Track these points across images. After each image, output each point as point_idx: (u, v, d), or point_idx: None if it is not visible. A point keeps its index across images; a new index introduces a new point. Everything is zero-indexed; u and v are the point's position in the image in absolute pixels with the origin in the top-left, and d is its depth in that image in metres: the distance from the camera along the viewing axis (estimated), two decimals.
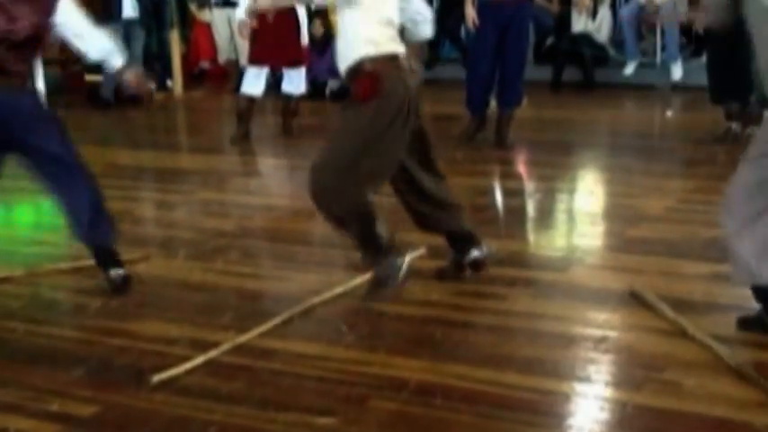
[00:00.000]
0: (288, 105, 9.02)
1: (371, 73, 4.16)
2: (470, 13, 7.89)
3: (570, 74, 11.35)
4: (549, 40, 11.97)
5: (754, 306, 3.94)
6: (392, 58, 4.23)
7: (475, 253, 4.60)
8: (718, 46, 7.42)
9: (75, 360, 3.83)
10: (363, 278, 4.60)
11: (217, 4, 11.93)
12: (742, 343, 3.83)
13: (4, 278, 4.83)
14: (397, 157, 4.29)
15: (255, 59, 8.62)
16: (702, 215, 5.60)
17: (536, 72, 11.31)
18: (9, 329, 4.18)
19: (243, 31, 8.61)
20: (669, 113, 10.45)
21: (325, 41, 11.08)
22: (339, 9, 4.27)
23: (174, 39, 11.22)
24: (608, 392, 3.52)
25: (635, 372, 3.66)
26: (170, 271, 4.92)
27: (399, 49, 4.27)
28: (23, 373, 3.73)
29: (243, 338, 3.95)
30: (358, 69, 4.20)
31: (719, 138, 7.67)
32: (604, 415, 3.35)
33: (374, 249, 4.34)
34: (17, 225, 6.37)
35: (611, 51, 11.68)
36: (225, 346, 3.86)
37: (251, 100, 8.66)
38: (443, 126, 9.25)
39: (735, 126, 7.74)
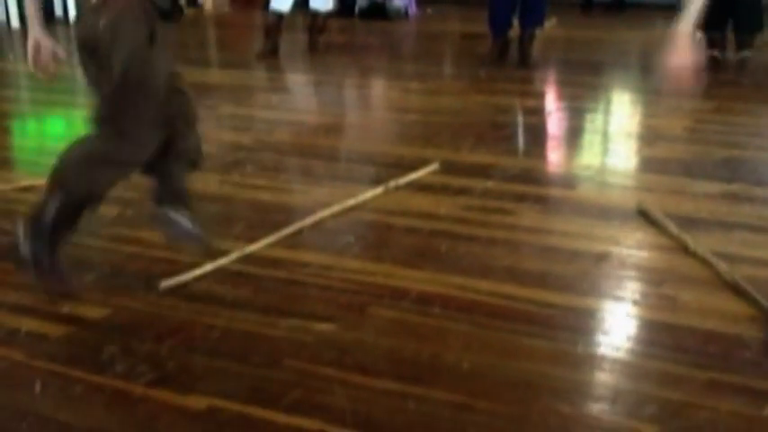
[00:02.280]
0: (315, 22, 9.01)
1: None
2: None
3: None
4: None
5: (755, 223, 3.97)
6: None
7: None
8: None
9: (88, 266, 3.93)
10: (375, 191, 4.67)
11: None
12: (742, 260, 3.86)
13: (26, 187, 4.92)
14: None
15: None
16: (718, 135, 5.61)
17: None
18: None
19: None
20: (699, 35, 10.33)
21: None
22: None
23: None
24: (602, 305, 3.57)
25: (632, 286, 3.72)
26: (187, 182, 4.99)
27: None
28: None
29: (252, 248, 4.03)
30: None
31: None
32: (596, 326, 3.41)
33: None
34: (46, 137, 6.46)
35: None
36: (233, 255, 3.95)
37: (279, 16, 8.67)
38: (470, 45, 9.25)
39: (716, 53, 7.77)
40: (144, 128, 3.44)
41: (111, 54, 3.30)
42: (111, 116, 3.43)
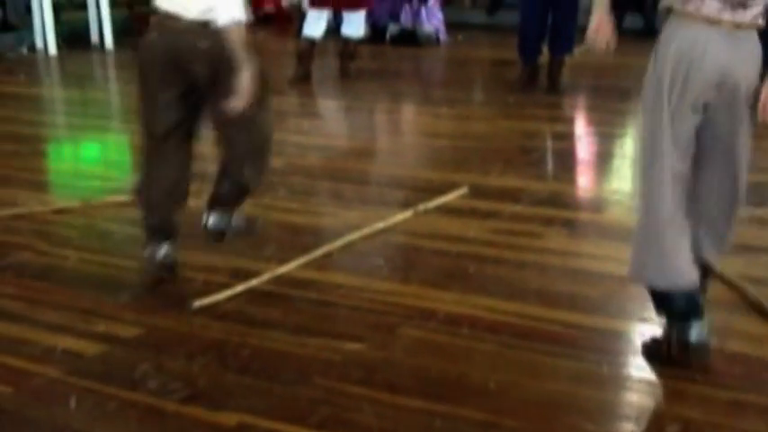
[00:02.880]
0: (346, 48, 9.07)
1: None
2: None
3: (631, 21, 11.27)
4: None
5: None
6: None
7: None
8: None
9: (123, 286, 4.00)
10: (404, 215, 4.73)
11: None
12: None
13: (61, 209, 5.01)
14: None
15: (317, 2, 8.69)
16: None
17: None
18: (63, 257, 4.36)
19: None
20: None
21: None
22: None
23: None
24: (628, 326, 3.62)
25: None
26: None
27: None
28: (74, 297, 3.91)
29: (283, 269, 4.09)
30: None
31: None
32: (622, 346, 3.45)
33: None
34: (80, 160, 6.56)
35: None
36: (265, 276, 4.01)
37: (311, 42, 8.73)
38: (500, 71, 9.31)
39: None
40: None
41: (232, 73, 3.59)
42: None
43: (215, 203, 4.14)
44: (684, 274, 3.16)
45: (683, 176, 3.17)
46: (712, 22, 3.03)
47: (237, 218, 4.20)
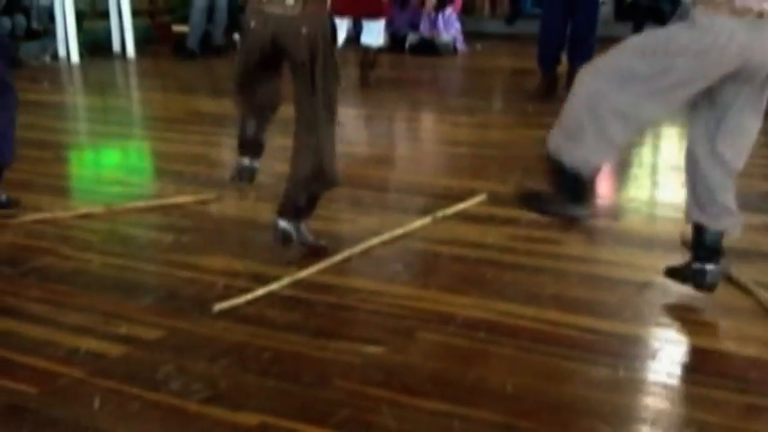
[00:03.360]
0: (366, 57, 9.13)
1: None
2: None
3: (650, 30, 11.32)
4: None
5: None
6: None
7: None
8: None
9: (145, 289, 4.06)
10: (423, 221, 4.77)
11: None
12: None
13: (85, 214, 5.06)
14: None
15: (336, 10, 8.72)
16: (761, 168, 5.64)
17: (617, 28, 11.26)
18: (86, 261, 4.42)
19: None
20: None
21: None
22: None
23: None
24: (644, 331, 3.64)
25: (674, 313, 3.78)
26: (240, 211, 5.13)
27: None
28: (96, 300, 3.96)
29: (303, 274, 4.13)
30: None
31: None
32: (638, 351, 3.47)
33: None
34: (102, 166, 6.62)
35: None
36: (285, 280, 4.05)
37: None
38: (519, 80, 9.35)
39: None
40: None
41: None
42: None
43: (284, 211, 4.37)
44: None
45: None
46: (740, 13, 3.14)
47: (305, 229, 4.39)
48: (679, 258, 4.24)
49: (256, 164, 4.60)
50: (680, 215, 4.91)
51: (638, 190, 5.78)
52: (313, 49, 4.04)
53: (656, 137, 7.37)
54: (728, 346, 3.43)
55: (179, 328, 3.67)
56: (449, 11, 11.04)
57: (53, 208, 5.16)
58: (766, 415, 2.98)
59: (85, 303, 3.92)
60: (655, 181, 5.98)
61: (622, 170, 6.23)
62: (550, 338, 3.53)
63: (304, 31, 4.00)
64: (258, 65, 4.24)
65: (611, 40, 9.38)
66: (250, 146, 4.57)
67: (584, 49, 8.07)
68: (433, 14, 10.99)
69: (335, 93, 4.31)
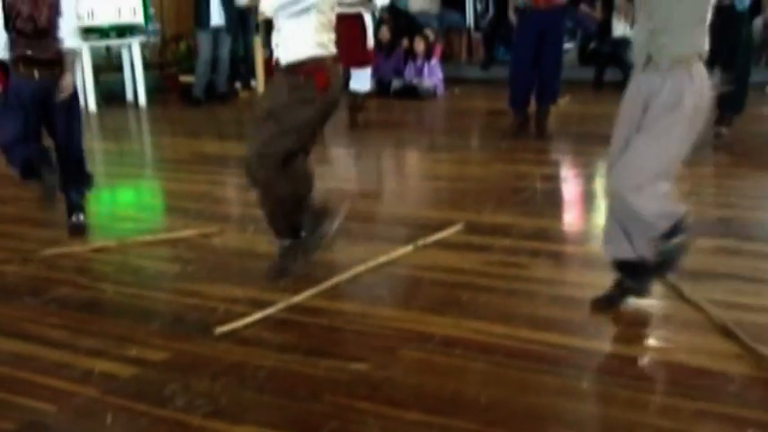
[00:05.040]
0: (355, 101, 9.16)
1: (323, 69, 4.23)
2: (512, 19, 8.03)
3: (611, 74, 11.35)
4: (593, 44, 11.94)
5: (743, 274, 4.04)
6: (335, 59, 4.31)
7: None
8: None
9: (153, 315, 4.06)
10: (405, 249, 4.78)
11: None
12: (731, 306, 3.90)
13: (99, 248, 5.08)
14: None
15: None
16: (713, 197, 5.68)
17: (580, 72, 11.39)
18: (100, 290, 4.43)
19: None
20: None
21: (390, 45, 11.26)
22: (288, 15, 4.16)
23: (258, 43, 11.41)
24: (606, 346, 3.66)
25: (634, 330, 3.78)
26: (240, 243, 5.13)
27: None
28: (109, 325, 3.96)
29: (296, 299, 4.14)
30: (306, 63, 4.20)
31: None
32: (600, 364, 3.48)
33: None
34: (116, 204, 6.62)
35: None
36: (280, 305, 4.06)
37: None
38: (493, 120, 9.37)
39: (723, 130, 7.59)
40: None
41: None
42: None
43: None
44: None
45: None
46: None
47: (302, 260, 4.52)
48: None
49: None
50: None
51: (601, 218, 5.77)
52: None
53: None
54: (681, 357, 3.43)
55: (184, 350, 3.67)
56: (434, 60, 11.12)
57: (71, 243, 5.17)
58: (714, 419, 2.99)
59: (100, 329, 3.92)
60: None
61: (586, 200, 6.26)
62: (521, 354, 3.54)
63: None
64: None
65: (575, 83, 9.43)
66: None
67: (550, 92, 8.14)
68: (420, 63, 11.06)
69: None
